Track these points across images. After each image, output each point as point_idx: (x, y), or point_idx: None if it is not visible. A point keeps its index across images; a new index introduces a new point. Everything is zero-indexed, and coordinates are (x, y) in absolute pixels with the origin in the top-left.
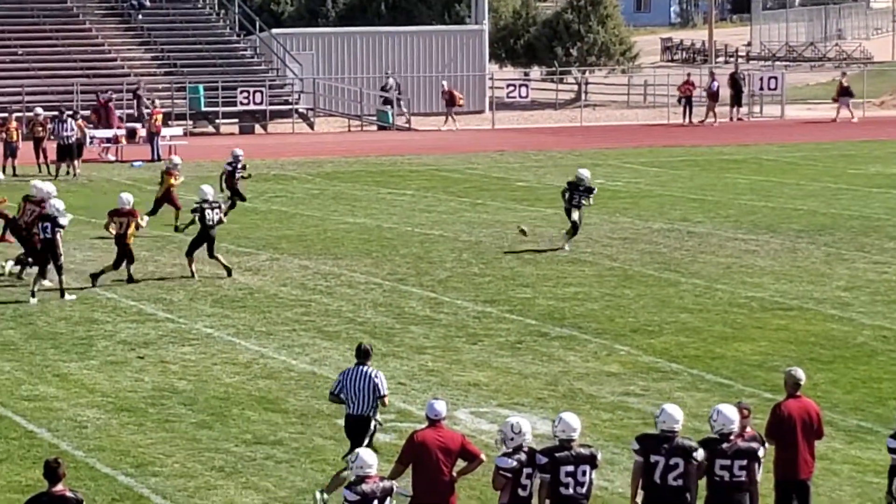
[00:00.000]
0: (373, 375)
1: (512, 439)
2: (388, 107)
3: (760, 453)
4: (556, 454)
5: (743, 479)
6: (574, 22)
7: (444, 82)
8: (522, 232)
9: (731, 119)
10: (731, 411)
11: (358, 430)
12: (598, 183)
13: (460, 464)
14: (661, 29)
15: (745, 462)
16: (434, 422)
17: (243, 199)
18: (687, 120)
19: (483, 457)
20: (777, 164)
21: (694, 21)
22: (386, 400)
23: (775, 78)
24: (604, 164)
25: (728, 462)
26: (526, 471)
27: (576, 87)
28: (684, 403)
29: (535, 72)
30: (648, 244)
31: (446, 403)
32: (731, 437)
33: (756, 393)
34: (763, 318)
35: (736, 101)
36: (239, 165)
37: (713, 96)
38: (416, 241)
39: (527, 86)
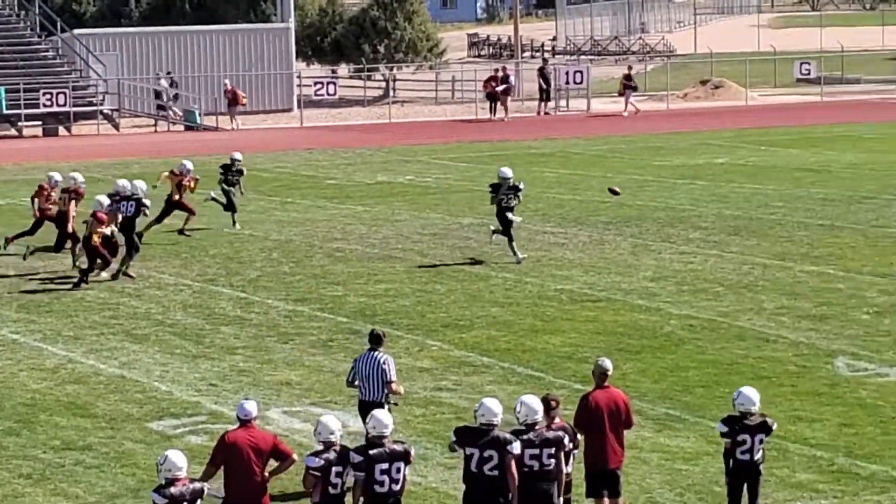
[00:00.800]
0: (381, 361)
1: (324, 437)
2: (163, 109)
3: (566, 441)
4: (370, 452)
5: (551, 468)
6: (381, 19)
7: (227, 81)
8: (613, 192)
9: (539, 113)
10: (533, 401)
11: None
12: (408, 179)
13: (273, 464)
14: (467, 24)
15: (553, 451)
16: (245, 422)
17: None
18: (494, 115)
19: (295, 456)
20: (584, 157)
21: (500, 16)
22: (393, 386)
23: (581, 72)
24: (413, 161)
25: (537, 451)
26: (335, 469)
27: (384, 84)
28: (496, 396)
29: (343, 69)
30: (458, 239)
31: (257, 403)
32: (537, 427)
33: (566, 384)
34: (572, 310)
35: (545, 95)
36: (234, 168)
37: (506, 91)
38: (225, 241)
39: (334, 83)
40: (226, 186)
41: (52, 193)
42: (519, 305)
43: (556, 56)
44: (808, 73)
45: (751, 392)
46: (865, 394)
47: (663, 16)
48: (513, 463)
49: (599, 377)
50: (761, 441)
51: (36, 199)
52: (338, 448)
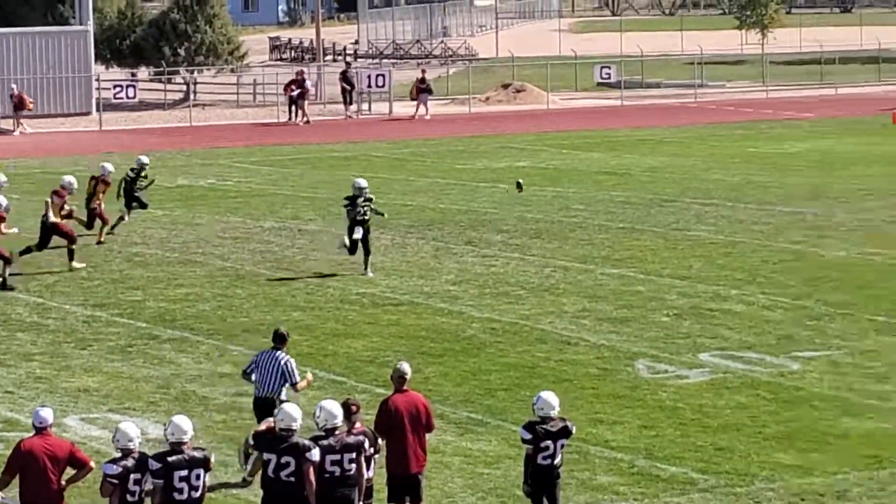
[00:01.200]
0: (283, 362)
1: (122, 444)
2: None
3: (367, 446)
4: (169, 459)
5: (352, 473)
6: (181, 21)
7: (14, 85)
8: (519, 186)
9: (344, 117)
10: (333, 406)
11: (265, 411)
12: (209, 183)
13: (70, 472)
14: (269, 28)
15: (353, 456)
16: (40, 430)
17: (144, 207)
18: (294, 118)
19: (93, 464)
20: (386, 160)
21: (302, 20)
22: (298, 387)
23: (383, 75)
24: (214, 164)
25: (337, 457)
26: (133, 476)
27: (184, 87)
28: (298, 402)
29: (143, 72)
30: (260, 243)
31: (54, 411)
32: (337, 432)
33: (368, 388)
34: (374, 314)
35: (348, 98)
36: (142, 173)
37: (301, 95)
38: (22, 245)
39: (134, 86)
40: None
41: None
42: (321, 310)
43: (359, 60)
44: (609, 78)
45: (549, 396)
46: (665, 396)
47: (465, 20)
48: (311, 469)
49: (398, 381)
50: (562, 446)
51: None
52: (136, 455)
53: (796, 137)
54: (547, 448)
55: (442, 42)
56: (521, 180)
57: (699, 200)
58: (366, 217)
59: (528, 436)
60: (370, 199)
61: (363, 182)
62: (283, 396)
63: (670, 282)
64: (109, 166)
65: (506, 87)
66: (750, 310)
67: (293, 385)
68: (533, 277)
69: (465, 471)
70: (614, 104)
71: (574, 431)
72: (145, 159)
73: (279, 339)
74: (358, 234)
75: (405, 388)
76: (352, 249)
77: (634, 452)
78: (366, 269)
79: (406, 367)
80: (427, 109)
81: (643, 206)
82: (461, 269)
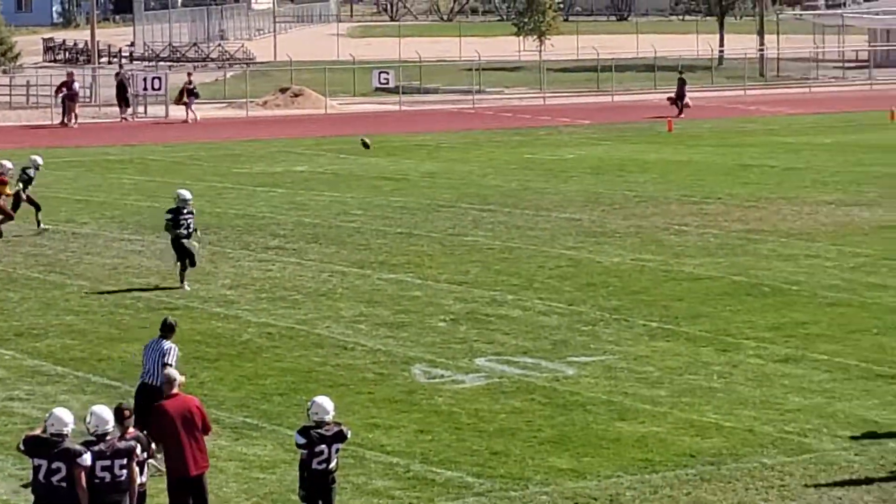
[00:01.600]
0: (166, 349)
1: None
2: None
3: (138, 451)
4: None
5: (123, 479)
6: None
7: None
8: (365, 144)
9: (120, 119)
10: (104, 412)
11: (148, 399)
12: None
13: None
14: (43, 29)
15: (124, 461)
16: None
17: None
18: (67, 121)
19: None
20: (162, 163)
21: (77, 21)
22: (168, 369)
23: (159, 78)
24: None
25: (108, 462)
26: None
27: None
28: (71, 406)
29: None
30: (33, 246)
31: None
32: (108, 438)
33: None
34: (149, 318)
35: (123, 101)
36: (34, 173)
37: (70, 97)
38: None
39: None
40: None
41: None
42: (95, 314)
43: (135, 62)
44: (387, 83)
45: (324, 401)
46: (441, 401)
47: (243, 23)
48: (82, 475)
49: (168, 385)
50: (337, 450)
51: None
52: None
53: (573, 144)
54: (321, 453)
55: (219, 45)
56: (366, 140)
57: (476, 206)
58: (190, 230)
59: (303, 440)
60: (192, 213)
61: (187, 194)
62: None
63: (447, 287)
64: (8, 164)
65: (284, 91)
66: (526, 315)
67: (164, 365)
68: (310, 282)
69: (241, 475)
70: (393, 109)
71: (349, 436)
72: (38, 159)
73: (167, 329)
74: (191, 245)
75: (174, 391)
76: (182, 259)
77: (410, 457)
78: (182, 281)
79: (173, 372)
80: (195, 113)
81: (421, 212)
82: (238, 273)
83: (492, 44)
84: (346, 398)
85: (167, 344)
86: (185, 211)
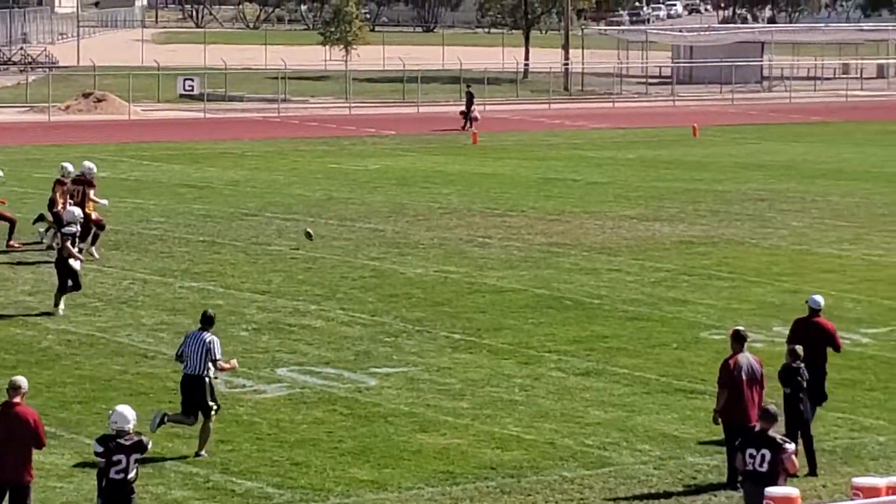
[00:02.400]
0: (207, 341)
1: None
2: None
3: None
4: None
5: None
6: None
7: None
8: (308, 235)
9: None
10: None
11: (191, 387)
12: None
13: None
14: None
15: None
16: None
17: None
18: None
19: None
20: None
21: None
22: (220, 363)
23: None
24: None
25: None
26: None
27: None
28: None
29: None
30: None
31: None
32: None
33: None
34: None
35: None
36: None
37: None
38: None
39: None
40: None
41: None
42: None
43: None
44: (192, 90)
45: (125, 410)
46: (242, 410)
47: (46, 27)
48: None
49: (11, 391)
50: (136, 460)
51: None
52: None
53: (378, 154)
54: (119, 462)
55: (21, 49)
56: (310, 230)
57: (280, 215)
58: (74, 251)
59: (100, 449)
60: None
61: (77, 211)
62: (210, 374)
63: (250, 296)
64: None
65: (87, 96)
66: (329, 325)
67: (214, 362)
68: (111, 289)
69: (38, 485)
70: (197, 116)
71: (149, 446)
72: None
73: (207, 321)
74: (75, 263)
75: (17, 400)
76: (63, 281)
77: (210, 467)
78: (57, 304)
79: (18, 380)
80: None
81: (224, 220)
82: (37, 279)
83: (298, 52)
84: (147, 407)
85: (208, 335)
86: (75, 232)
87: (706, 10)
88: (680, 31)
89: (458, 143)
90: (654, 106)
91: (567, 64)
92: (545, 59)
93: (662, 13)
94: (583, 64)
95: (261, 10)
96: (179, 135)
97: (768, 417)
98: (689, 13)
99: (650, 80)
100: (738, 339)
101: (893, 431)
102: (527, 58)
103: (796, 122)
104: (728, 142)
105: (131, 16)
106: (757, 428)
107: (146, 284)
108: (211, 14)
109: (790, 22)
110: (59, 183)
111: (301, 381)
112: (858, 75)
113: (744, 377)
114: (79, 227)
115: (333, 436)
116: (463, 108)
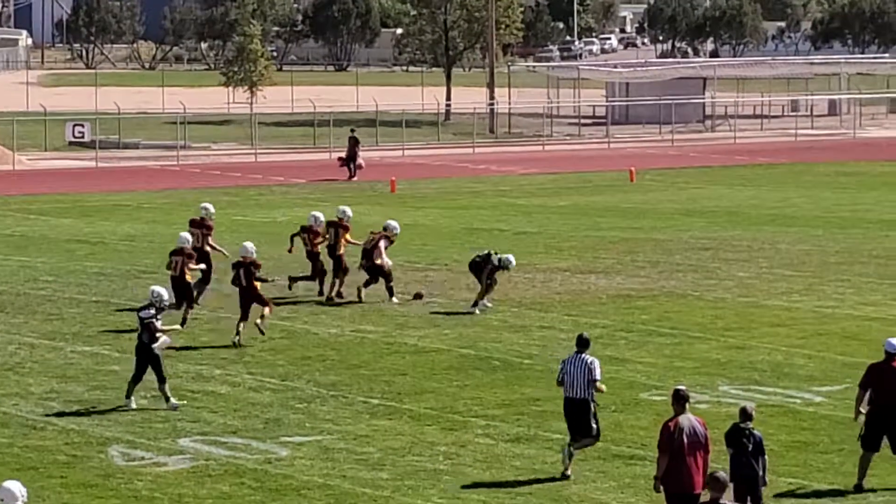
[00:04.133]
0: (588, 362)
1: None
2: None
3: None
4: None
5: None
6: None
7: None
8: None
9: None
10: None
11: (576, 411)
12: None
13: None
14: None
15: None
16: None
17: None
18: None
19: None
20: None
21: None
22: (598, 384)
23: None
24: None
25: None
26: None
27: None
28: None
29: None
30: None
31: None
32: None
33: None
34: None
35: None
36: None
37: None
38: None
39: None
40: None
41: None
42: None
43: None
44: (83, 136)
45: (13, 486)
46: (142, 485)
47: None
48: None
49: None
50: None
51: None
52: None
53: (287, 205)
54: None
55: None
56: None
57: None
58: None
59: None
60: None
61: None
62: (593, 398)
63: None
64: (348, 210)
65: None
66: (235, 391)
67: (593, 381)
68: None
69: None
70: (88, 165)
71: None
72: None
73: (584, 344)
74: None
75: None
76: None
77: None
78: None
79: None
80: None
81: (119, 278)
82: None
83: (198, 95)
84: (37, 482)
85: (588, 357)
86: None
87: (643, 43)
88: (615, 66)
89: (374, 192)
90: (588, 148)
91: (493, 104)
92: (469, 98)
93: (596, 48)
94: (510, 104)
95: (157, 49)
96: (69, 186)
97: (717, 486)
98: (625, 47)
99: (583, 121)
100: (680, 400)
101: (848, 497)
102: (448, 98)
103: (742, 163)
104: (668, 186)
105: (14, 56)
106: (708, 497)
107: (34, 349)
108: (102, 53)
109: (734, 56)
110: None
111: (205, 451)
112: (808, 112)
113: (686, 441)
114: None
115: None
116: (343, 154)
